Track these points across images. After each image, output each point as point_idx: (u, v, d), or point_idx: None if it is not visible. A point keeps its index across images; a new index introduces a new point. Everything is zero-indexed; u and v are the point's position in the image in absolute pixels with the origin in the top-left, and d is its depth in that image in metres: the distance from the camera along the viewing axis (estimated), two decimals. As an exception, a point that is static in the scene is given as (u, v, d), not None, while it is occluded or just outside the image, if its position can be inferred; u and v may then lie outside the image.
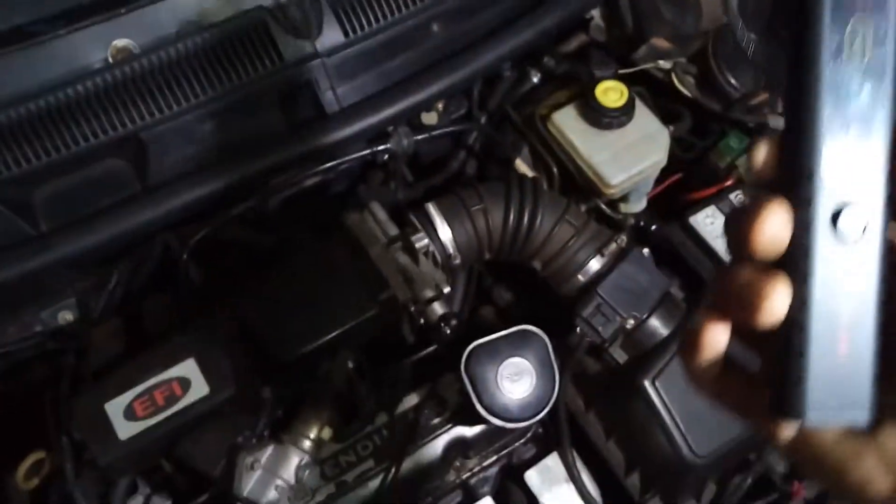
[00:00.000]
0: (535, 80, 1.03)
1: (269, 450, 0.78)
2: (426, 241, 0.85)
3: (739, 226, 0.36)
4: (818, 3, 0.34)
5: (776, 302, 0.35)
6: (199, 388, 0.75)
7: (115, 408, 0.73)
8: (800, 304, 0.36)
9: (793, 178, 0.36)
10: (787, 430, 0.38)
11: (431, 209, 0.87)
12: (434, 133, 0.97)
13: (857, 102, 0.35)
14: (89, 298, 0.87)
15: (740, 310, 0.36)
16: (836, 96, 0.35)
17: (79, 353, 0.82)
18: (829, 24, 0.34)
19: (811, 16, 0.35)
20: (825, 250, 0.36)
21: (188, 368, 0.76)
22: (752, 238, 0.35)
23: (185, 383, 0.75)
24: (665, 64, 1.00)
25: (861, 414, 0.37)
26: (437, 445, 0.85)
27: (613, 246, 0.90)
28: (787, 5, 0.35)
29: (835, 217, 0.35)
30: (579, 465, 0.88)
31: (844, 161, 0.35)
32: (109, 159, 0.81)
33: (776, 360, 0.37)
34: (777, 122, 0.99)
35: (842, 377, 0.36)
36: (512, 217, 0.88)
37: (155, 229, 0.83)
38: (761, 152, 0.37)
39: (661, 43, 0.98)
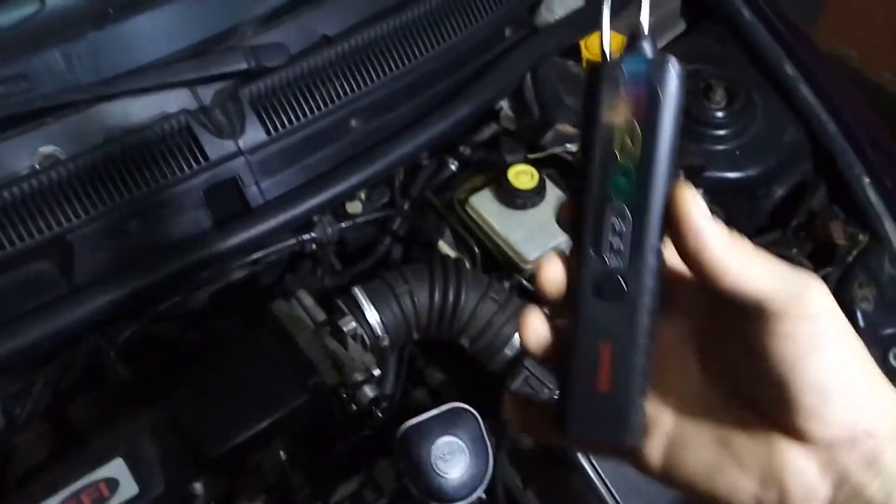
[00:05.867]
0: (453, 167, 1.08)
1: (202, 546, 0.76)
2: (354, 324, 0.87)
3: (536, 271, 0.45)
4: (597, 107, 0.41)
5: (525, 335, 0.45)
6: (128, 488, 0.74)
7: (41, 514, 0.72)
8: (568, 346, 0.44)
9: (575, 236, 0.43)
10: (568, 446, 0.45)
11: (358, 293, 0.89)
12: (358, 221, 1.01)
13: (623, 194, 0.42)
14: (15, 404, 0.86)
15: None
16: (605, 195, 0.42)
17: (3, 459, 0.80)
18: (603, 126, 0.41)
19: (593, 117, 0.42)
20: (589, 307, 0.43)
21: (116, 468, 0.74)
22: (537, 280, 0.44)
23: (112, 484, 0.74)
24: (572, 147, 1.06)
25: (621, 438, 0.44)
26: (377, 532, 0.84)
27: (537, 320, 0.93)
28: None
29: (598, 284, 0.43)
30: (520, 543, 0.88)
31: (610, 239, 0.42)
32: (35, 262, 0.82)
33: (559, 390, 0.45)
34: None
35: (601, 407, 0.43)
36: (437, 296, 0.91)
37: (82, 330, 0.84)
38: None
39: (565, 128, 1.04)
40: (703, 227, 0.41)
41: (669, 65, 0.41)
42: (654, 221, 0.42)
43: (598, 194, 0.42)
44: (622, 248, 0.42)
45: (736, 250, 0.41)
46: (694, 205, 0.41)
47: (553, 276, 0.44)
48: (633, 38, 0.42)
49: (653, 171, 0.41)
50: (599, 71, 0.41)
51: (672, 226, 0.42)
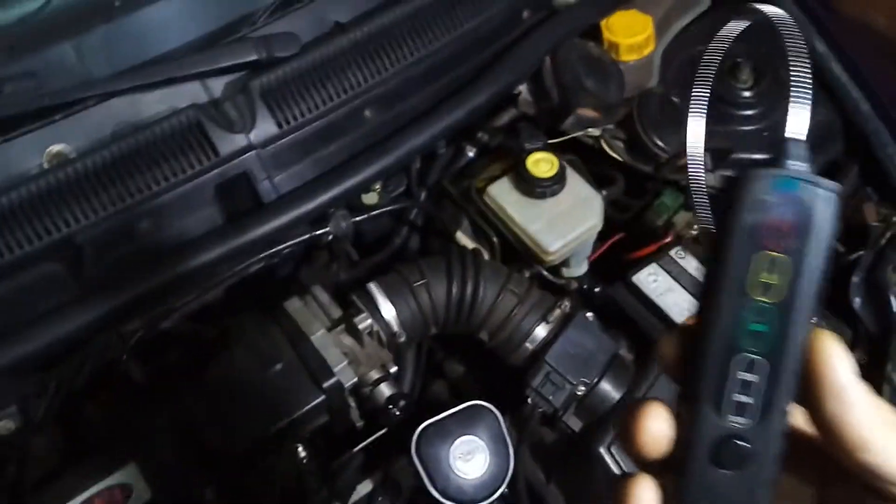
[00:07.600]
0: (471, 154, 1.06)
1: (217, 551, 0.76)
2: (369, 321, 0.85)
3: (623, 425, 0.38)
4: (730, 234, 0.35)
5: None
6: (142, 494, 0.73)
7: (55, 520, 0.71)
8: None
9: (689, 388, 0.37)
10: None
11: (373, 288, 0.87)
12: (373, 213, 0.99)
13: (757, 341, 0.35)
14: (30, 405, 0.85)
15: None
16: (735, 343, 0.35)
17: (19, 462, 0.79)
18: (736, 257, 0.35)
19: (723, 245, 0.35)
20: (703, 476, 0.36)
21: (129, 474, 0.74)
22: (635, 436, 0.37)
23: (126, 489, 0.74)
24: (594, 131, 1.03)
25: None
26: (395, 533, 0.83)
27: (558, 312, 0.90)
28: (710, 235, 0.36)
29: (716, 449, 0.36)
30: (544, 539, 0.86)
31: (735, 396, 0.36)
32: (45, 264, 0.81)
33: None
34: (708, 180, 1.02)
35: None
36: (454, 290, 0.89)
37: (95, 331, 0.82)
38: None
39: (587, 112, 1.01)
40: (847, 390, 0.35)
41: (832, 189, 0.35)
42: (791, 377, 0.35)
43: (726, 341, 0.35)
44: (749, 408, 0.36)
45: (883, 421, 0.35)
46: (839, 360, 0.35)
47: (658, 433, 0.37)
48: (783, 146, 0.36)
49: (798, 315, 0.34)
50: (742, 183, 0.35)
51: (807, 382, 0.36)
